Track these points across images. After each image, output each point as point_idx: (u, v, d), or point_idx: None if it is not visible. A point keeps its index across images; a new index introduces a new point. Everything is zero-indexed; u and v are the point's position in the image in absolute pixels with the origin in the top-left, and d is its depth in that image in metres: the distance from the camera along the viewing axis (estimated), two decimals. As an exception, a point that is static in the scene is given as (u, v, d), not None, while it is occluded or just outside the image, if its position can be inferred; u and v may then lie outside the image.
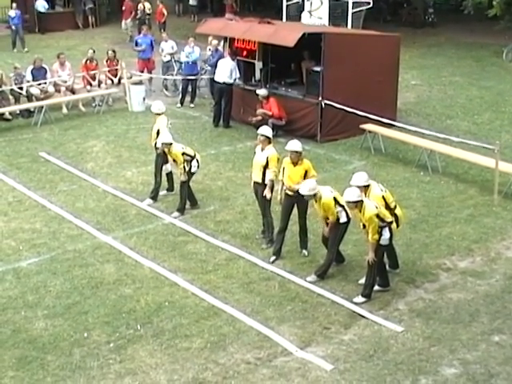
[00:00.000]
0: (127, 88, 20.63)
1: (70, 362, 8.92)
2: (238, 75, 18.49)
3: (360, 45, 17.25)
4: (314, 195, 10.55)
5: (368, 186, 10.40)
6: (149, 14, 31.13)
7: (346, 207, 10.45)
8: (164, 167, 13.83)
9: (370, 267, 10.15)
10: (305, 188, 10.58)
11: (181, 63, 22.05)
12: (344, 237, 10.91)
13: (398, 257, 11.06)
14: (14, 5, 31.17)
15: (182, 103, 20.89)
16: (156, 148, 13.51)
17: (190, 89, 20.90)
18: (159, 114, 14.13)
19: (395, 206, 10.62)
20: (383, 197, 10.39)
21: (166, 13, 31.04)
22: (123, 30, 31.41)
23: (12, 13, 30.50)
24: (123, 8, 31.39)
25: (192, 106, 20.78)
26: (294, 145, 11.22)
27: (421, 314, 9.93)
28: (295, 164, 11.22)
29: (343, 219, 10.61)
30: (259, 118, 17.28)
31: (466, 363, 8.87)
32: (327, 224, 10.75)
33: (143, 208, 13.50)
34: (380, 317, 9.87)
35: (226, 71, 18.29)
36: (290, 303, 10.22)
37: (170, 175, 14.05)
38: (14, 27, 30.07)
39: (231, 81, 18.38)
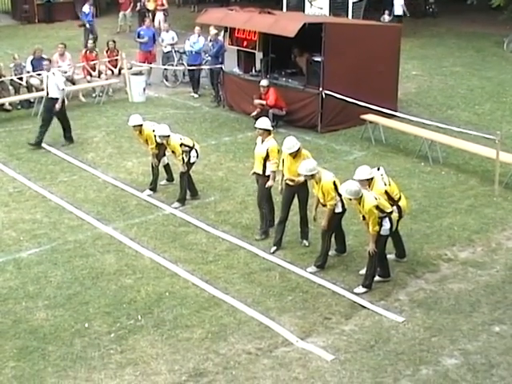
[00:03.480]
0: (127, 78, 20.59)
1: (70, 353, 8.93)
2: (63, 86, 16.55)
3: (361, 35, 17.20)
4: (312, 176, 10.52)
5: (372, 178, 10.38)
6: (148, 10, 30.49)
7: (342, 197, 10.44)
8: (161, 160, 13.80)
9: (371, 258, 10.14)
10: (303, 168, 10.56)
11: (181, 54, 22.05)
12: (342, 226, 10.92)
13: (401, 247, 11.09)
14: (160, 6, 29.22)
15: (196, 92, 20.84)
16: (153, 152, 13.50)
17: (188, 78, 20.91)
18: (139, 126, 13.51)
19: (399, 198, 10.61)
20: (386, 191, 10.37)
21: (166, 4, 30.84)
22: (119, 22, 31.07)
23: (86, 8, 27.69)
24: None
25: (196, 96, 20.73)
26: (289, 146, 11.13)
27: (421, 305, 9.93)
28: (294, 156, 11.20)
29: (338, 209, 10.61)
30: (258, 110, 17.24)
31: (467, 353, 8.87)
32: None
33: (143, 198, 13.49)
34: (381, 307, 9.88)
35: (54, 85, 16.36)
36: (290, 294, 10.22)
37: (167, 167, 14.03)
38: (88, 25, 27.50)
39: (59, 95, 16.38)
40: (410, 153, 15.80)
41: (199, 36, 20.87)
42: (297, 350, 8.99)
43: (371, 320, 9.61)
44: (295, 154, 11.17)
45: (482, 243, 11.72)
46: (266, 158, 11.58)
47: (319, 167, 10.70)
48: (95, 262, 11.18)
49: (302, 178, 11.03)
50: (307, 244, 11.57)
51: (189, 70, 21.04)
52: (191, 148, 13.00)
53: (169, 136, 12.85)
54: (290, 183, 11.28)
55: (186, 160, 12.90)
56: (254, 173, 11.96)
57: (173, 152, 12.98)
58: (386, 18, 29.67)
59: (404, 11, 29.88)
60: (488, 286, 10.44)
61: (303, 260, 11.14)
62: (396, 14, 29.86)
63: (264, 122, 11.82)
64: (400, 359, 8.77)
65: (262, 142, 11.72)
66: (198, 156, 13.16)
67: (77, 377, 8.51)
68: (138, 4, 30.70)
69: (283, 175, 11.40)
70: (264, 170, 11.67)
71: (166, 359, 8.82)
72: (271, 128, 11.89)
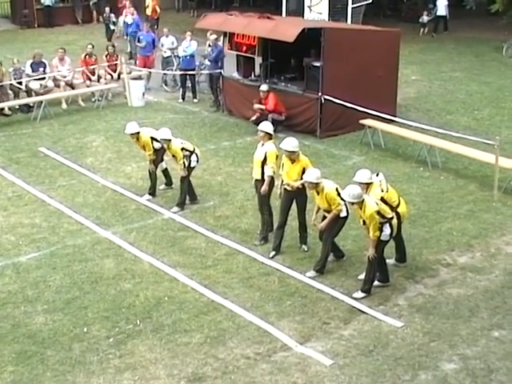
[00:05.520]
0: (127, 83, 20.61)
1: (69, 357, 8.92)
2: None
3: (360, 40, 17.23)
4: (317, 185, 10.53)
5: (370, 183, 10.38)
6: (114, 22, 29.19)
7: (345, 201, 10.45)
8: (159, 165, 13.79)
9: (370, 263, 10.14)
10: (311, 176, 10.54)
11: (180, 58, 22.08)
12: (341, 231, 10.93)
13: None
14: (132, 9, 26.66)
15: (183, 98, 20.90)
16: (151, 158, 13.47)
17: (189, 84, 20.90)
18: (136, 133, 13.47)
19: (398, 204, 10.61)
20: (382, 198, 10.35)
21: (158, 10, 30.41)
22: (119, 27, 30.64)
23: (129, 19, 25.96)
24: (123, 2, 30.79)
25: (195, 100, 20.74)
26: (287, 144, 11.14)
27: (420, 310, 9.93)
28: (292, 161, 11.20)
29: (343, 213, 10.62)
30: (258, 114, 17.26)
31: (466, 358, 8.87)
32: (324, 219, 10.76)
33: (143, 203, 13.49)
34: (380, 312, 9.88)
35: None
36: (289, 298, 10.22)
37: (165, 171, 14.03)
38: (128, 37, 26.02)
39: None
40: (408, 158, 15.80)
41: (191, 40, 20.92)
42: (296, 354, 8.99)
43: (370, 325, 9.61)
44: (294, 159, 11.17)
45: (480, 248, 11.72)
46: (264, 162, 11.59)
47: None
48: (94, 266, 11.18)
49: (297, 184, 11.04)
50: (306, 249, 11.57)
51: (181, 75, 21.05)
52: (192, 152, 13.01)
53: (170, 140, 12.85)
54: (288, 188, 11.28)
55: (186, 164, 12.90)
56: (255, 179, 11.95)
57: (173, 156, 12.98)
58: (425, 18, 30.22)
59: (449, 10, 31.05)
60: (487, 290, 10.44)
61: (302, 265, 11.14)
62: (439, 14, 30.48)
63: (266, 125, 11.83)
64: (399, 364, 8.77)
65: (262, 145, 11.74)
66: (198, 160, 13.18)
67: (75, 381, 8.51)
68: (102, 16, 29.94)
69: (282, 180, 11.41)
70: (262, 175, 11.67)
71: (165, 364, 8.81)
72: (273, 132, 11.89)
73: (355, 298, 10.17)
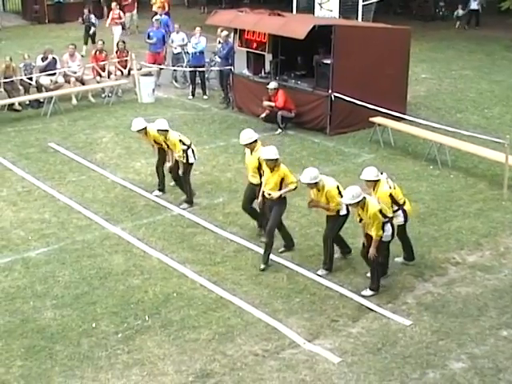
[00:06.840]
0: (137, 79, 20.63)
1: (78, 352, 8.95)
2: None
3: (370, 38, 17.18)
4: (316, 184, 10.47)
5: (377, 181, 10.35)
6: (93, 23, 27.86)
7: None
8: (165, 164, 13.71)
9: (372, 263, 10.11)
10: (305, 177, 10.39)
11: (189, 54, 22.07)
12: (347, 229, 10.90)
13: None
14: (159, 10, 26.30)
15: (193, 94, 20.90)
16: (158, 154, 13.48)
17: (198, 80, 20.89)
18: (143, 129, 13.45)
19: (404, 202, 10.60)
20: (390, 194, 10.35)
21: (167, 6, 30.26)
22: (127, 24, 30.22)
23: (157, 17, 23.93)
24: (128, 0, 30.75)
25: (205, 97, 20.73)
26: (270, 153, 10.85)
27: (429, 308, 9.92)
28: (272, 169, 10.93)
29: (343, 211, 10.59)
30: (267, 111, 17.26)
31: (474, 357, 8.85)
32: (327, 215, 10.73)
33: (152, 199, 13.51)
34: (388, 310, 9.87)
35: None
36: (298, 295, 10.23)
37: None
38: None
39: None
40: (418, 156, 15.77)
41: (200, 36, 20.89)
42: (304, 351, 8.99)
43: (378, 323, 9.60)
44: (273, 168, 10.89)
45: (490, 247, 11.69)
46: (260, 168, 11.40)
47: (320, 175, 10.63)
48: (103, 262, 11.20)
49: (277, 194, 10.88)
50: (282, 249, 11.46)
51: (190, 71, 21.07)
52: (188, 146, 12.90)
53: (167, 131, 12.81)
54: (267, 196, 11.09)
55: (184, 160, 12.81)
56: (250, 183, 11.82)
57: (169, 148, 12.87)
58: (460, 12, 30.88)
59: (482, 5, 31.53)
60: (496, 290, 10.41)
61: (311, 262, 11.14)
62: (472, 8, 31.50)
63: (246, 136, 11.51)
64: (407, 362, 8.76)
65: (252, 152, 11.51)
66: (195, 156, 13.05)
67: (84, 376, 8.54)
68: (81, 17, 29.49)
69: (261, 187, 11.27)
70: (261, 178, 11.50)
71: (173, 360, 8.83)
72: (256, 137, 11.54)
73: (364, 296, 10.17)
